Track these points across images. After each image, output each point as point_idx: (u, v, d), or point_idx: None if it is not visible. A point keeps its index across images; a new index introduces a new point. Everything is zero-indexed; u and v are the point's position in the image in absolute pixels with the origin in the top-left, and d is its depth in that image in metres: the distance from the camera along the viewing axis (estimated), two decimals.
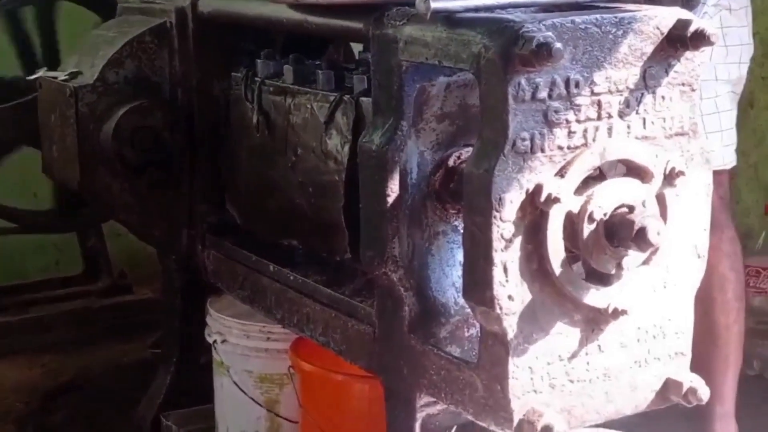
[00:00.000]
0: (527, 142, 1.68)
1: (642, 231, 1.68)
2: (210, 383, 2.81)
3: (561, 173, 1.71)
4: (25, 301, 3.81)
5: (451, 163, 1.95)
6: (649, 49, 1.75)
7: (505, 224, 1.69)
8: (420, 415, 2.02)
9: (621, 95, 1.74)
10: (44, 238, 4.06)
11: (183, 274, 2.93)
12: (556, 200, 1.69)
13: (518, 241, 1.70)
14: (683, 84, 1.80)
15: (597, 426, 1.91)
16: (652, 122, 1.77)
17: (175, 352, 3.03)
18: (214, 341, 2.75)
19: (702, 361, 2.52)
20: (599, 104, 1.73)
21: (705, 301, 2.61)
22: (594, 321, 1.78)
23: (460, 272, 1.86)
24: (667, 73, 1.78)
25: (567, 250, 1.73)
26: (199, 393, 2.90)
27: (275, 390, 2.65)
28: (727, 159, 2.67)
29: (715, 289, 2.66)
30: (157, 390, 3.02)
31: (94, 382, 3.40)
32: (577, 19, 1.70)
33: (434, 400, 1.97)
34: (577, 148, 1.72)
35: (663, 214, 1.77)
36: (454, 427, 2.21)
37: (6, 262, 3.99)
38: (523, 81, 1.66)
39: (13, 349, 3.62)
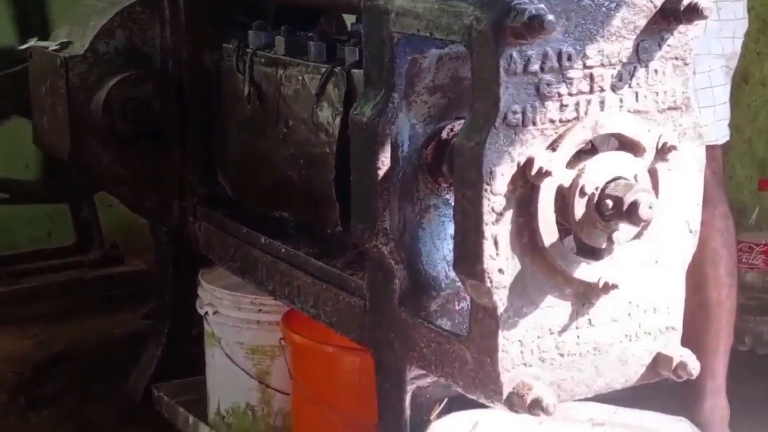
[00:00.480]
0: (519, 115, 1.67)
1: (633, 205, 1.67)
2: (202, 355, 2.82)
3: (552, 147, 1.70)
4: (17, 271, 3.80)
5: (444, 135, 1.94)
6: (642, 22, 1.74)
7: (495, 197, 1.68)
8: (410, 388, 2.02)
9: (614, 69, 1.73)
10: (36, 209, 4.05)
11: (174, 245, 2.93)
12: (548, 174, 1.68)
13: (509, 214, 1.69)
14: (676, 58, 1.78)
15: (587, 399, 1.92)
16: (645, 96, 1.76)
17: (167, 323, 3.04)
18: (206, 313, 2.74)
19: (693, 336, 2.52)
20: (591, 77, 1.71)
21: (697, 277, 2.60)
22: (585, 295, 1.78)
23: (451, 246, 1.86)
24: (660, 46, 1.77)
25: (558, 223, 1.72)
26: (191, 364, 2.91)
27: (267, 362, 2.66)
28: (720, 134, 2.66)
29: (707, 265, 2.65)
30: (148, 361, 3.03)
31: (86, 353, 3.40)
32: None
33: (424, 372, 1.97)
34: (569, 121, 1.71)
35: (655, 189, 1.76)
36: (445, 400, 2.22)
37: None
38: (514, 53, 1.65)
39: (5, 319, 3.61)
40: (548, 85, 1.68)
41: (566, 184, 1.70)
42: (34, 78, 2.88)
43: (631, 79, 1.74)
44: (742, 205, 4.05)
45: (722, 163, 2.73)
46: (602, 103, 1.73)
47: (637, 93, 1.75)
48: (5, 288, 3.72)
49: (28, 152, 3.74)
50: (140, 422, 2.92)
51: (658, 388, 2.18)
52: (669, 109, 1.78)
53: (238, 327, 2.68)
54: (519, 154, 1.68)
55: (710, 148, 2.44)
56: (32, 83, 2.89)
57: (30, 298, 3.72)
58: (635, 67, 1.75)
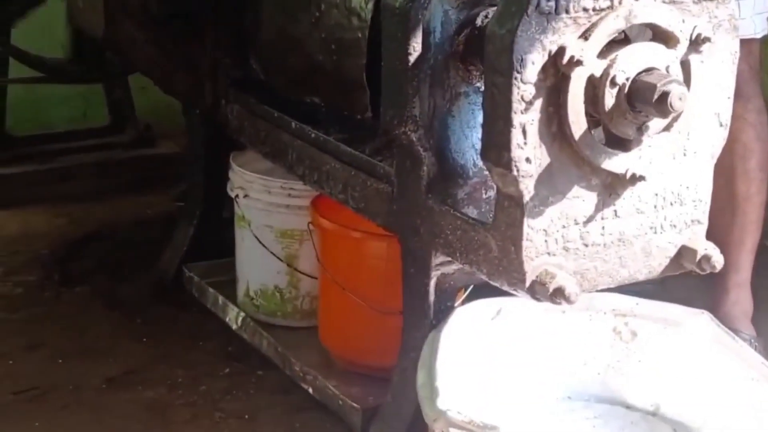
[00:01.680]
0: (552, 3, 1.65)
1: (664, 96, 1.66)
2: (232, 237, 2.85)
3: (585, 36, 1.68)
4: (51, 150, 3.83)
5: (477, 22, 1.92)
6: None
7: (525, 86, 1.67)
8: (435, 274, 2.04)
9: None
10: (71, 89, 4.06)
11: (206, 128, 2.94)
12: (579, 63, 1.67)
13: (538, 103, 1.69)
14: None
15: (610, 290, 1.93)
16: None
17: (198, 205, 3.06)
18: (236, 195, 2.76)
19: (720, 229, 2.53)
20: None
21: (727, 170, 2.59)
22: (611, 186, 1.78)
23: (480, 134, 1.85)
24: None
25: (587, 114, 1.72)
26: (221, 246, 2.94)
27: (295, 245, 2.68)
28: (759, 27, 2.62)
29: (738, 158, 2.63)
30: (179, 242, 3.07)
31: (119, 233, 3.44)
32: None
33: (449, 259, 1.99)
34: (602, 10, 1.69)
35: (687, 81, 1.75)
36: (470, 287, 2.24)
37: (33, 111, 4.00)
38: None
39: (39, 198, 3.65)
40: None
41: (597, 74, 1.69)
42: None
43: None
44: None
45: (759, 57, 2.69)
46: None
47: None
48: (40, 167, 3.75)
49: (64, 33, 3.74)
50: (170, 301, 2.97)
51: (682, 281, 2.20)
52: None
53: (268, 210, 2.70)
54: (551, 43, 1.67)
55: (748, 42, 2.42)
56: None
57: (64, 177, 3.76)
58: None
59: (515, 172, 1.70)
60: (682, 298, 2.18)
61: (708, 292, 2.76)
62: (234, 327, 2.78)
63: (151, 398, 2.56)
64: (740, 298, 2.73)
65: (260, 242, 2.71)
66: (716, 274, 2.58)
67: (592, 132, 1.74)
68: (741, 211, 2.66)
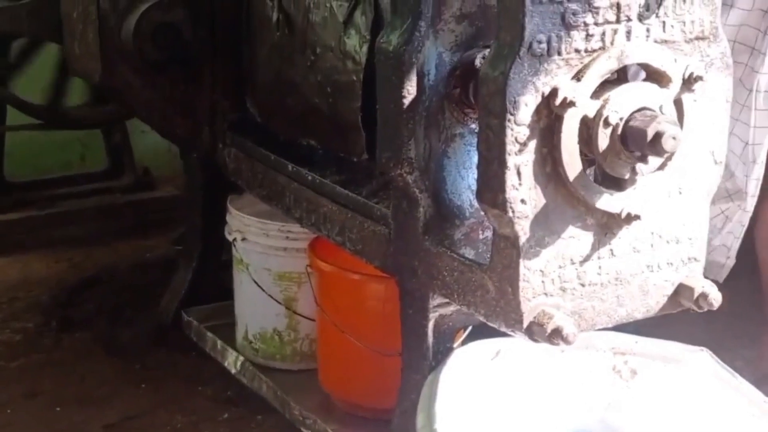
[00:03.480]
0: (544, 45, 1.66)
1: (658, 136, 1.66)
2: (230, 280, 2.84)
3: (577, 77, 1.69)
4: (51, 196, 3.84)
5: (471, 64, 1.93)
6: None
7: (519, 127, 1.68)
8: (433, 315, 2.04)
9: None
10: (69, 134, 4.07)
11: (204, 171, 2.95)
12: (572, 104, 1.67)
13: (533, 144, 1.70)
14: None
15: (607, 329, 1.93)
16: (672, 26, 1.74)
17: (197, 248, 3.07)
18: (234, 239, 2.77)
19: None
20: (618, 7, 1.70)
21: None
22: (607, 225, 1.78)
23: (476, 175, 1.86)
24: None
25: (582, 154, 1.72)
26: (220, 289, 2.94)
27: (294, 288, 2.68)
28: None
29: None
30: (178, 285, 3.06)
31: (118, 277, 3.44)
32: None
33: (447, 300, 1.99)
34: (594, 51, 1.70)
35: (680, 120, 1.75)
36: (468, 329, 2.24)
37: (30, 157, 4.01)
38: None
39: (39, 243, 3.66)
40: (574, 14, 1.67)
41: (590, 115, 1.70)
42: (65, 3, 2.89)
43: (658, 8, 1.73)
44: None
45: None
46: (628, 32, 1.71)
47: (664, 23, 1.74)
48: (39, 212, 3.76)
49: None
50: (169, 345, 2.97)
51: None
52: (696, 39, 1.77)
53: (266, 253, 2.70)
54: (543, 84, 1.68)
55: None
56: (64, 8, 2.89)
57: (63, 222, 3.77)
58: None
59: (511, 214, 1.71)
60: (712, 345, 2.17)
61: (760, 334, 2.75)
62: (233, 371, 2.77)
63: None
64: None
65: (258, 285, 2.71)
66: (766, 320, 2.60)
67: (587, 172, 1.74)
68: None
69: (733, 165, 2.70)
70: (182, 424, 2.63)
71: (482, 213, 1.89)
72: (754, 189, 2.74)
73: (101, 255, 3.62)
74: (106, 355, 2.96)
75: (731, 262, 2.81)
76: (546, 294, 1.76)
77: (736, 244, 2.84)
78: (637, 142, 1.68)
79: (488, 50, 1.90)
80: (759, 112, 2.66)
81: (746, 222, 2.82)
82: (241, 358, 2.75)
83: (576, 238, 1.76)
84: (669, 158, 1.75)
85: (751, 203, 2.78)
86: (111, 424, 2.62)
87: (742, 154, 2.69)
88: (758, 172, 2.72)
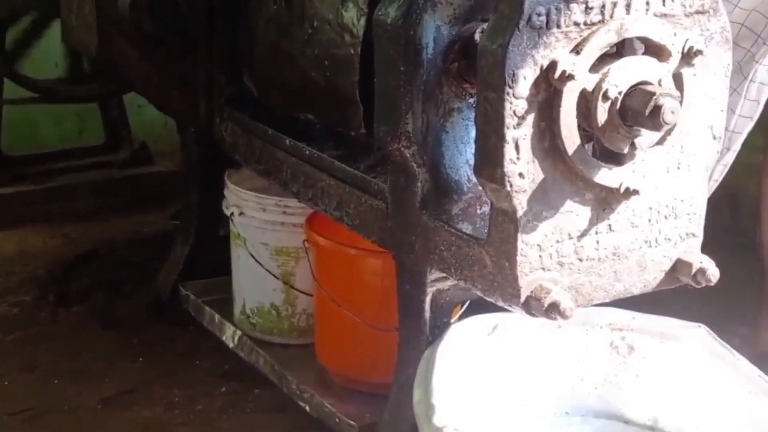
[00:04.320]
0: (543, 17, 1.65)
1: (657, 110, 1.65)
2: (228, 255, 2.84)
3: (576, 50, 1.68)
4: (47, 170, 3.83)
5: (469, 37, 1.92)
6: None
7: (518, 101, 1.67)
8: (430, 290, 2.04)
9: None
10: (66, 108, 4.06)
11: (201, 146, 2.94)
12: (571, 77, 1.66)
13: (531, 118, 1.69)
14: None
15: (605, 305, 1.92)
16: None
17: (194, 223, 3.06)
18: (232, 214, 2.76)
19: None
20: None
21: None
22: (605, 200, 1.77)
23: (474, 149, 1.85)
24: None
25: (580, 128, 1.71)
26: (218, 264, 2.94)
27: (291, 263, 2.67)
28: None
29: None
30: (176, 260, 3.06)
31: (115, 252, 3.44)
32: None
33: (444, 275, 1.98)
34: (593, 24, 1.68)
35: (679, 94, 1.74)
36: (466, 303, 2.23)
37: (27, 131, 4.00)
38: None
39: (35, 217, 3.65)
40: None
41: (589, 88, 1.69)
42: None
43: None
44: None
45: None
46: (628, 6, 1.70)
47: None
48: (36, 186, 3.75)
49: (58, 52, 3.75)
50: (167, 319, 2.96)
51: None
52: (696, 12, 1.75)
53: (263, 228, 2.70)
54: (542, 57, 1.67)
55: None
56: None
57: (60, 196, 3.76)
58: None
59: (508, 188, 1.70)
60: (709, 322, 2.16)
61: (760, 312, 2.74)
62: (230, 345, 2.77)
63: (148, 418, 2.55)
64: None
65: (256, 260, 2.70)
66: (764, 298, 2.58)
67: (585, 146, 1.73)
68: None
69: None
70: (179, 397, 2.63)
71: (480, 188, 1.89)
72: (718, 175, 2.72)
73: (98, 229, 3.61)
74: (103, 329, 2.95)
75: None
76: (543, 269, 1.76)
77: None
78: (636, 116, 1.67)
79: (487, 24, 1.89)
80: (748, 102, 2.64)
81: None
82: (239, 332, 2.75)
83: (574, 213, 1.76)
84: (668, 133, 1.75)
85: (712, 187, 2.75)
86: (108, 397, 2.62)
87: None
88: (728, 159, 2.71)
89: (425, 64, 1.90)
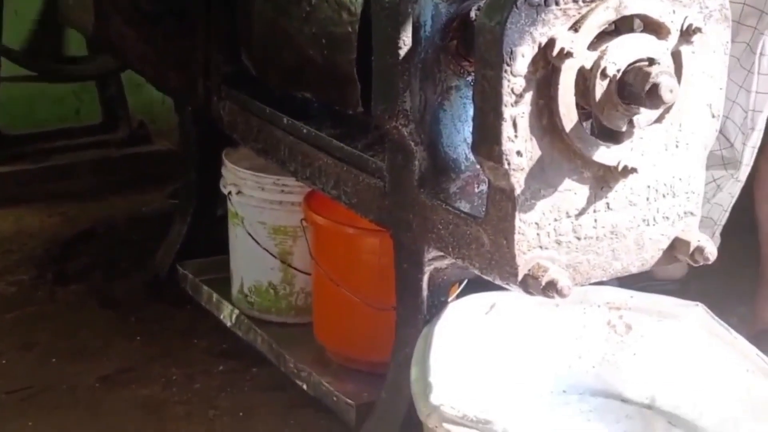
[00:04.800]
0: None
1: (655, 88, 1.65)
2: (226, 234, 2.84)
3: (575, 27, 1.67)
4: (45, 149, 3.82)
5: (472, 15, 1.91)
6: None
7: (516, 78, 1.66)
8: (428, 269, 2.04)
9: None
10: (64, 87, 4.05)
11: (199, 125, 2.93)
12: (569, 55, 1.66)
13: (529, 96, 1.68)
14: None
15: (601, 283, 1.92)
16: None
17: (192, 202, 3.06)
18: (229, 192, 2.75)
19: None
20: None
21: None
22: (603, 179, 1.77)
23: (472, 128, 1.84)
24: None
25: (578, 106, 1.71)
26: (215, 243, 2.93)
27: (289, 242, 2.67)
28: None
29: None
30: (174, 239, 3.06)
31: (113, 231, 3.43)
32: None
33: (442, 254, 1.98)
34: (592, 1, 1.68)
35: (678, 72, 1.74)
36: (464, 282, 2.23)
37: (25, 110, 3.99)
38: None
39: (33, 196, 3.65)
40: None
41: (588, 66, 1.68)
42: None
43: None
44: None
45: None
46: None
47: None
48: (33, 165, 3.74)
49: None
50: (165, 299, 2.96)
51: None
52: None
53: (261, 207, 2.69)
54: (540, 35, 1.66)
55: None
56: None
57: (58, 176, 3.75)
58: None
59: (506, 166, 1.69)
60: (704, 300, 2.15)
61: (756, 291, 2.74)
62: (228, 324, 2.77)
63: (146, 396, 2.56)
64: None
65: (254, 239, 2.70)
66: (762, 277, 2.57)
67: (583, 124, 1.73)
68: None
69: (732, 135, 2.68)
70: (177, 376, 2.63)
71: (478, 166, 1.88)
72: (749, 158, 2.72)
73: (96, 208, 3.60)
74: (101, 308, 2.95)
75: (716, 240, 2.79)
76: (541, 247, 1.76)
77: (723, 218, 2.82)
78: (635, 94, 1.66)
79: (484, 2, 1.88)
80: (762, 77, 2.63)
81: (736, 193, 2.79)
82: (236, 311, 2.75)
83: (572, 191, 1.75)
84: (666, 111, 1.74)
85: (744, 172, 2.75)
86: (105, 376, 2.63)
87: (742, 124, 2.67)
88: (755, 140, 2.70)
89: (423, 42, 1.90)
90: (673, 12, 1.72)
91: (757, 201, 2.73)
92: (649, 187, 1.81)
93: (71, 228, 3.46)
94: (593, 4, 1.68)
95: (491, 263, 1.80)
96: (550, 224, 1.75)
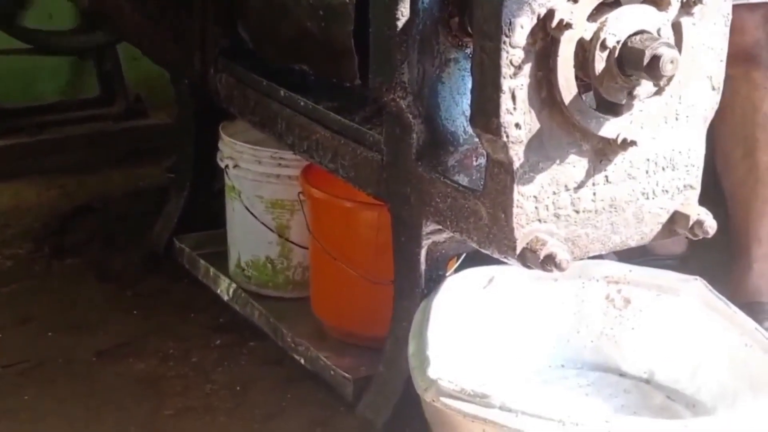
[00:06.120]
0: None
1: (655, 60, 1.63)
2: (223, 208, 2.82)
3: None
4: (41, 122, 3.79)
5: None
6: None
7: (514, 50, 1.65)
8: (426, 243, 2.03)
9: None
10: (60, 60, 4.02)
11: (196, 98, 2.91)
12: (568, 26, 1.64)
13: (528, 68, 1.67)
14: None
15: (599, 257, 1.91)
16: None
17: (189, 176, 3.04)
18: (226, 166, 2.74)
19: (741, 201, 2.49)
20: None
21: (747, 141, 2.55)
22: (602, 151, 1.76)
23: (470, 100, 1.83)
24: None
25: (578, 78, 1.69)
26: (213, 217, 2.92)
27: (286, 216, 2.66)
28: None
29: (759, 129, 2.56)
30: (171, 213, 3.04)
31: (110, 205, 3.42)
32: None
33: (440, 228, 1.97)
34: None
35: (678, 44, 1.72)
36: (462, 256, 2.22)
37: (21, 83, 3.97)
38: None
39: (30, 170, 3.62)
40: None
41: (587, 38, 1.67)
42: None
43: None
44: None
45: None
46: None
47: None
48: (30, 139, 3.71)
49: (53, 3, 3.71)
50: (161, 273, 2.95)
51: (703, 254, 2.12)
52: None
53: (258, 181, 2.68)
54: (539, 6, 1.65)
55: (765, 7, 2.37)
56: None
57: (54, 149, 3.73)
58: None
59: (505, 139, 1.68)
60: (704, 276, 2.14)
61: (729, 262, 2.71)
62: (225, 298, 2.76)
63: (143, 370, 2.55)
64: (765, 270, 2.66)
65: (251, 213, 2.69)
66: (739, 247, 2.55)
67: (583, 96, 1.71)
68: (763, 183, 2.59)
69: None
70: (174, 350, 2.62)
71: (476, 139, 1.87)
72: None
73: (93, 183, 3.59)
74: (98, 282, 2.94)
75: None
76: (540, 220, 1.75)
77: None
78: (634, 66, 1.65)
79: None
80: None
81: None
82: (234, 285, 2.74)
83: (571, 164, 1.74)
84: (666, 83, 1.72)
85: None
86: (103, 350, 2.62)
87: None
88: None
89: (421, 13, 1.88)
90: None
91: (721, 174, 2.68)
92: (648, 160, 1.80)
93: (68, 202, 3.44)
94: None
95: (489, 237, 1.79)
96: (548, 197, 1.74)
